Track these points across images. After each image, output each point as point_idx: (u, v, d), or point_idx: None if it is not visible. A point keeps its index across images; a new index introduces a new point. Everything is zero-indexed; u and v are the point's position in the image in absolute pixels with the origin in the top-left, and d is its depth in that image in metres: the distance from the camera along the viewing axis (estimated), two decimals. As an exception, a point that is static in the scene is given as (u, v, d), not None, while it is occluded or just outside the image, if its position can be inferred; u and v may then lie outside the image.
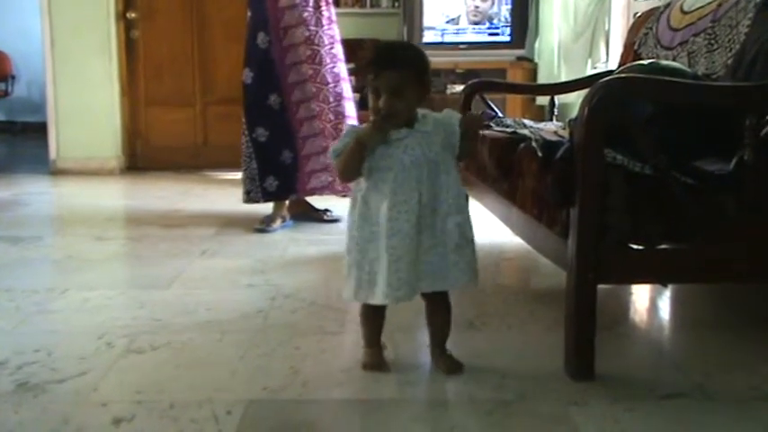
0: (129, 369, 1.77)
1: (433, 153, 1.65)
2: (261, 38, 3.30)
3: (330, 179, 3.33)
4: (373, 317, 1.77)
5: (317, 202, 3.60)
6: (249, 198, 3.39)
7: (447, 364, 1.74)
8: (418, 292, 1.68)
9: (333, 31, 3.35)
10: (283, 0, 3.26)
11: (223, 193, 4.39)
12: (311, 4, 3.29)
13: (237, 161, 5.22)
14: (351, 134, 1.66)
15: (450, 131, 1.67)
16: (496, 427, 1.48)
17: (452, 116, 1.70)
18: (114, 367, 1.77)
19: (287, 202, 3.45)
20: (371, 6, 5.01)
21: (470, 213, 1.70)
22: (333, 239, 3.17)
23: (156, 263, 2.79)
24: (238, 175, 5.07)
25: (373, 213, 1.65)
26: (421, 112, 1.67)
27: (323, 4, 3.32)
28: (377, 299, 1.65)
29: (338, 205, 3.50)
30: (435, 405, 1.61)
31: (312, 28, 3.28)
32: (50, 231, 3.63)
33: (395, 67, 1.61)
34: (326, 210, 3.53)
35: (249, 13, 3.38)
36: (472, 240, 1.69)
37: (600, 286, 1.66)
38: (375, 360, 1.76)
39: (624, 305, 2.38)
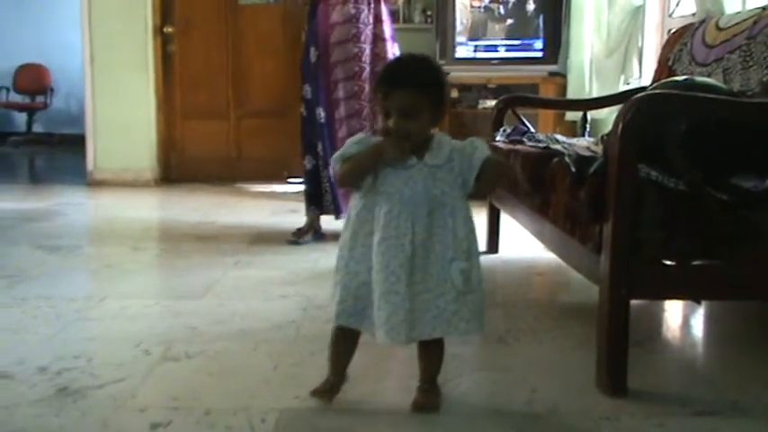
0: (166, 376, 1.80)
1: (439, 190, 1.52)
2: (312, 52, 3.34)
3: None
4: (342, 342, 1.65)
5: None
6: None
7: (423, 398, 1.62)
8: (414, 340, 1.57)
9: (381, 48, 3.35)
10: (335, 16, 3.28)
11: (255, 205, 4.45)
12: (362, 20, 3.30)
13: (269, 173, 5.35)
14: (362, 142, 1.56)
15: (467, 166, 1.52)
16: (528, 441, 1.49)
17: (475, 150, 1.53)
18: (151, 374, 1.81)
19: (320, 215, 3.47)
20: (405, 22, 5.06)
21: (479, 257, 1.57)
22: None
23: (190, 273, 2.84)
24: (271, 188, 5.13)
25: (366, 234, 1.54)
26: (438, 138, 1.55)
27: (371, 20, 3.32)
28: (373, 333, 1.56)
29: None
30: (466, 418, 1.62)
31: (360, 45, 3.30)
32: (88, 241, 3.70)
33: (408, 85, 1.49)
34: None
35: (305, 28, 3.43)
36: (479, 287, 1.56)
37: (634, 303, 1.66)
38: (326, 388, 1.64)
39: (657, 322, 2.37)
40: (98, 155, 5.34)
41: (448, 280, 1.52)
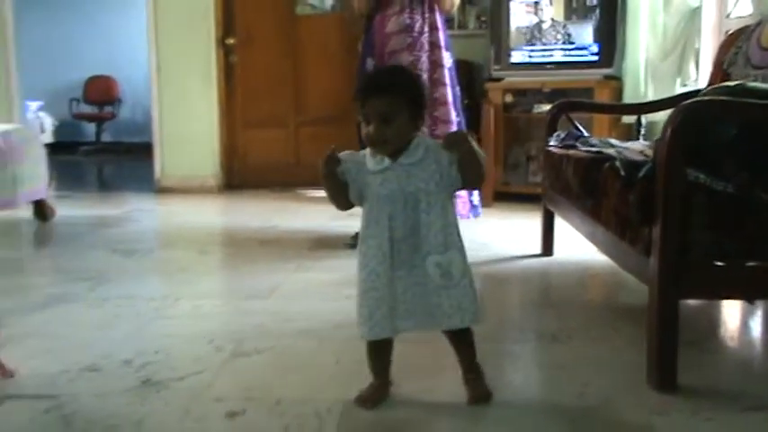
0: (238, 370, 1.94)
1: (413, 187, 1.59)
2: (369, 63, 3.46)
3: None
4: (376, 351, 1.70)
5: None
6: None
7: (473, 391, 1.69)
8: (399, 332, 1.64)
9: (436, 56, 3.44)
10: (390, 26, 3.39)
11: (315, 211, 4.59)
12: (416, 29, 3.39)
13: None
14: (345, 158, 1.66)
15: (446, 160, 1.59)
16: (580, 431, 1.57)
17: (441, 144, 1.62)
18: (225, 368, 1.94)
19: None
20: (459, 28, 5.14)
21: (460, 249, 1.62)
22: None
23: (255, 275, 2.98)
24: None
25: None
26: (416, 140, 1.61)
27: (426, 29, 3.41)
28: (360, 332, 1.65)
29: (461, 225, 3.60)
30: (520, 411, 1.70)
31: (416, 53, 3.38)
32: (159, 245, 3.90)
33: (383, 93, 1.57)
34: None
35: (362, 39, 3.54)
36: (462, 281, 1.61)
37: (689, 303, 1.71)
38: (369, 394, 1.70)
39: (712, 322, 2.41)
40: (165, 163, 5.58)
41: (427, 274, 1.59)
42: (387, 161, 1.60)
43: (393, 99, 1.57)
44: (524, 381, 1.91)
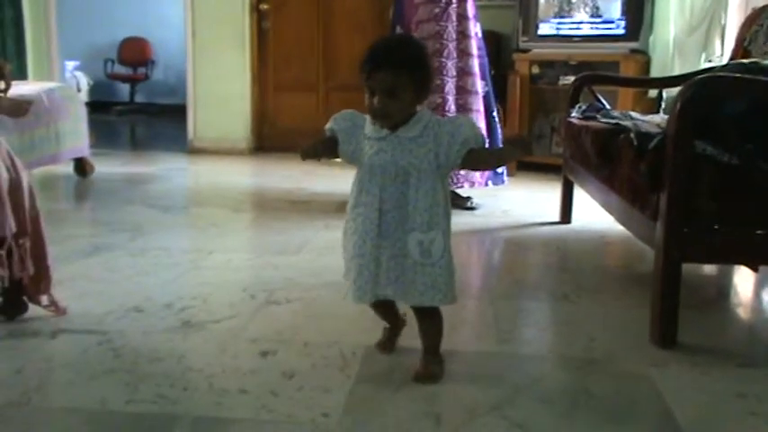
0: (270, 316, 2.10)
1: (406, 161, 1.58)
2: (397, 30, 3.56)
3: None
4: (375, 307, 1.76)
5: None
6: None
7: (423, 369, 1.69)
8: (379, 298, 1.65)
9: (464, 26, 3.53)
10: None
11: (343, 174, 4.70)
12: (444, 0, 3.50)
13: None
14: (345, 118, 1.67)
15: (446, 142, 1.57)
16: (584, 380, 1.71)
17: (459, 126, 1.59)
18: (258, 314, 2.11)
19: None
20: (488, -1, 5.20)
21: (444, 231, 1.62)
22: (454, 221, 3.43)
23: (285, 233, 3.14)
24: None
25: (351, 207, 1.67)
26: (419, 114, 1.60)
27: (454, 0, 3.51)
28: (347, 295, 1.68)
29: (482, 194, 3.76)
30: (530, 358, 1.84)
31: (442, 23, 3.48)
32: (193, 203, 4.07)
33: (388, 67, 1.54)
34: (469, 197, 3.70)
35: (392, 9, 3.65)
36: (440, 260, 1.61)
37: (698, 271, 1.83)
38: (385, 339, 1.83)
39: (719, 289, 2.53)
40: (197, 124, 5.74)
41: (407, 249, 1.59)
42: (385, 131, 1.59)
43: (400, 74, 1.54)
44: (535, 334, 2.05)
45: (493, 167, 1.58)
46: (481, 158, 1.64)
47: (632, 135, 2.08)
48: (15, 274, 1.92)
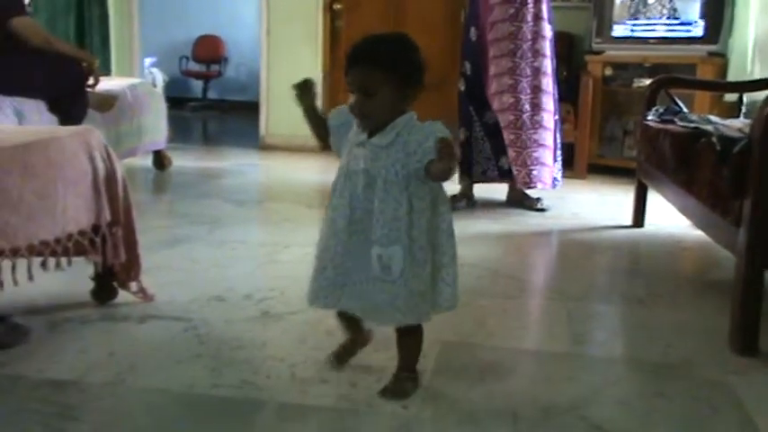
0: (346, 309, 2.15)
1: (376, 170, 1.48)
2: (472, 32, 3.59)
3: (528, 171, 3.56)
4: (339, 315, 1.70)
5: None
6: (486, 177, 3.67)
7: (392, 384, 1.61)
8: (343, 308, 1.60)
9: (539, 27, 3.53)
10: None
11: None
12: (518, 0, 3.49)
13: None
14: (339, 111, 1.61)
15: (413, 150, 1.46)
16: (661, 385, 1.70)
17: (428, 135, 1.45)
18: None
19: (472, 184, 3.73)
20: (562, 0, 5.16)
21: (406, 247, 1.48)
22: (514, 220, 3.44)
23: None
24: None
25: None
26: (400, 119, 1.49)
27: (530, 1, 3.50)
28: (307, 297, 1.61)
29: (551, 196, 3.75)
30: (605, 360, 1.85)
31: (517, 23, 3.49)
32: (267, 197, 4.18)
33: (366, 64, 1.46)
34: (539, 198, 3.70)
35: (465, 9, 3.67)
36: (401, 280, 1.48)
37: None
38: (336, 351, 1.72)
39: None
40: (269, 121, 5.85)
41: (370, 262, 1.50)
42: (363, 137, 1.51)
43: (373, 71, 1.45)
44: (610, 337, 2.05)
45: (438, 179, 1.48)
46: (429, 172, 1.47)
47: (714, 139, 2.06)
48: (108, 261, 2.02)
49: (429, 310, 1.56)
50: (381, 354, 1.81)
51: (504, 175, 3.65)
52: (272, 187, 4.51)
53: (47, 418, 1.47)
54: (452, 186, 3.77)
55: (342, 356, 1.72)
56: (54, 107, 3.38)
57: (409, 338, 1.62)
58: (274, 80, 5.78)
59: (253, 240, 2.92)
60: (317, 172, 5.05)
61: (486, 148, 3.63)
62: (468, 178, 3.71)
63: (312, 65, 5.71)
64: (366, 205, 1.50)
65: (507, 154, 3.58)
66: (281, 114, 5.80)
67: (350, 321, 1.70)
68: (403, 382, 1.62)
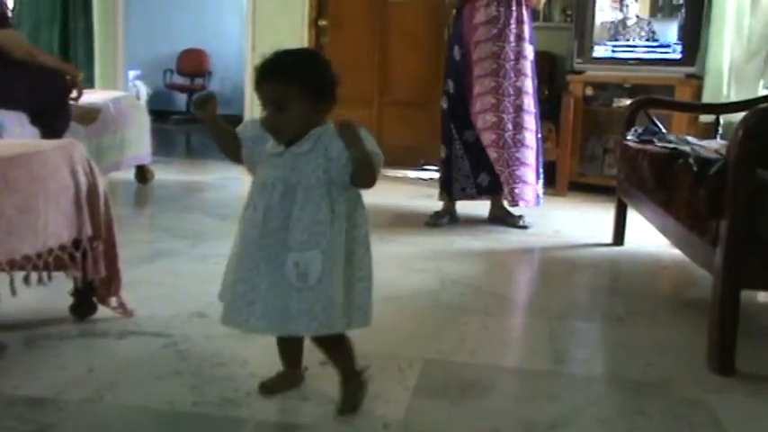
0: (328, 326, 2.15)
1: (295, 179, 1.46)
2: (456, 50, 3.63)
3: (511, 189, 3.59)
4: (279, 342, 1.67)
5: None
6: (464, 194, 3.71)
7: (343, 402, 1.60)
8: (250, 330, 1.55)
9: (521, 47, 3.57)
10: (478, 17, 3.54)
11: (394, 189, 4.78)
12: (502, 21, 3.53)
13: (410, 160, 5.67)
14: (245, 125, 1.58)
15: (336, 156, 1.46)
16: (641, 403, 1.72)
17: (341, 140, 1.45)
18: (316, 323, 2.16)
19: (465, 200, 3.74)
20: (544, 20, 5.22)
21: (326, 251, 1.45)
22: (496, 237, 3.46)
23: (340, 245, 3.19)
24: (409, 173, 5.45)
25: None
26: (317, 129, 1.48)
27: (512, 21, 3.55)
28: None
29: (533, 213, 3.77)
30: (586, 378, 1.86)
31: (500, 44, 3.54)
32: (248, 212, 4.16)
33: (275, 78, 1.45)
34: (521, 216, 3.72)
35: (449, 28, 3.71)
36: (318, 285, 1.45)
37: (753, 299, 1.83)
38: (272, 382, 1.68)
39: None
40: (253, 136, 5.85)
41: (285, 271, 1.46)
42: (281, 147, 1.49)
43: (284, 86, 1.44)
44: (590, 355, 2.07)
45: (365, 177, 1.48)
46: (353, 172, 1.47)
47: (691, 160, 2.09)
48: (88, 276, 2.01)
49: (346, 321, 1.51)
50: (363, 371, 1.81)
51: (483, 193, 3.69)
52: (254, 202, 4.50)
53: (25, 435, 1.46)
54: (435, 203, 3.81)
55: (270, 388, 1.68)
56: (36, 120, 3.36)
57: (337, 348, 1.60)
58: (258, 95, 5.78)
59: (235, 256, 2.91)
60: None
61: (465, 166, 3.66)
62: (448, 196, 3.74)
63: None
64: (282, 215, 1.46)
65: (486, 172, 3.61)
66: (265, 129, 5.80)
67: (289, 351, 1.68)
68: (353, 393, 1.61)
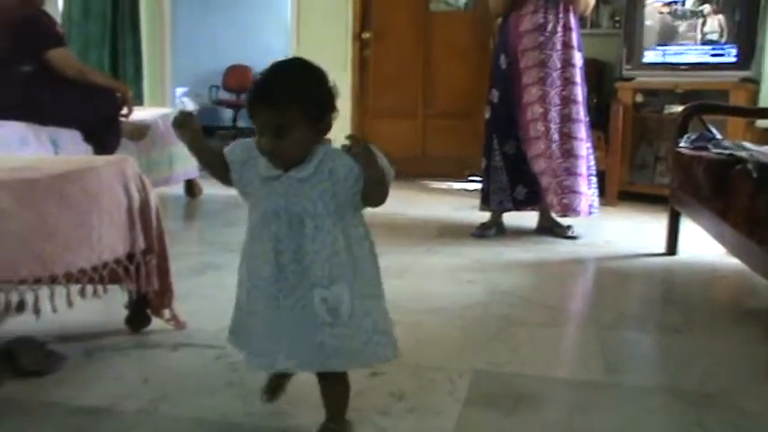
0: (377, 337, 2.14)
1: (299, 206, 1.35)
2: (502, 59, 3.60)
3: (562, 200, 3.54)
4: (275, 379, 1.62)
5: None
6: (502, 207, 3.68)
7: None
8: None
9: (568, 55, 3.53)
10: (524, 24, 3.51)
11: (439, 201, 4.76)
12: (549, 29, 3.49)
13: (453, 172, 5.66)
14: (237, 146, 1.44)
15: (343, 177, 1.34)
16: (699, 415, 1.66)
17: (349, 158, 1.33)
18: (365, 335, 2.15)
19: (503, 212, 3.71)
20: (592, 27, 5.16)
21: (351, 282, 1.37)
22: (545, 248, 3.42)
23: (388, 257, 3.12)
24: (454, 185, 5.43)
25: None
26: (316, 150, 1.35)
27: (559, 29, 3.51)
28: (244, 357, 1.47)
29: (583, 224, 3.69)
30: (640, 389, 1.81)
31: (547, 52, 3.49)
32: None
33: (274, 104, 1.30)
34: (569, 226, 3.67)
35: (495, 37, 3.69)
36: (351, 321, 1.37)
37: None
38: (266, 386, 1.64)
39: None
40: (299, 149, 5.90)
41: (311, 307, 1.36)
42: (278, 171, 1.36)
43: (286, 110, 1.30)
44: (644, 366, 2.02)
45: (378, 196, 1.39)
46: (365, 192, 1.37)
47: (750, 165, 2.03)
48: (142, 289, 2.04)
49: (394, 347, 1.45)
50: (412, 382, 1.80)
51: (519, 206, 3.64)
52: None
53: (81, 445, 1.48)
54: (481, 214, 3.78)
55: (272, 393, 1.64)
56: (89, 137, 3.45)
57: (337, 388, 1.48)
58: (303, 109, 5.83)
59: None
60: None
61: (503, 179, 3.61)
62: (487, 207, 3.70)
63: (341, 92, 5.75)
64: (292, 247, 1.35)
65: (523, 184, 3.58)
66: (311, 142, 5.84)
67: (282, 382, 1.63)
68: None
